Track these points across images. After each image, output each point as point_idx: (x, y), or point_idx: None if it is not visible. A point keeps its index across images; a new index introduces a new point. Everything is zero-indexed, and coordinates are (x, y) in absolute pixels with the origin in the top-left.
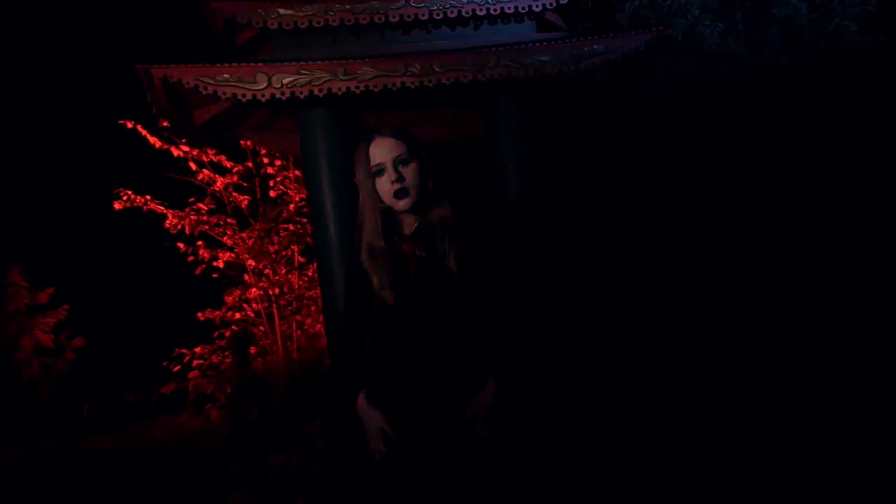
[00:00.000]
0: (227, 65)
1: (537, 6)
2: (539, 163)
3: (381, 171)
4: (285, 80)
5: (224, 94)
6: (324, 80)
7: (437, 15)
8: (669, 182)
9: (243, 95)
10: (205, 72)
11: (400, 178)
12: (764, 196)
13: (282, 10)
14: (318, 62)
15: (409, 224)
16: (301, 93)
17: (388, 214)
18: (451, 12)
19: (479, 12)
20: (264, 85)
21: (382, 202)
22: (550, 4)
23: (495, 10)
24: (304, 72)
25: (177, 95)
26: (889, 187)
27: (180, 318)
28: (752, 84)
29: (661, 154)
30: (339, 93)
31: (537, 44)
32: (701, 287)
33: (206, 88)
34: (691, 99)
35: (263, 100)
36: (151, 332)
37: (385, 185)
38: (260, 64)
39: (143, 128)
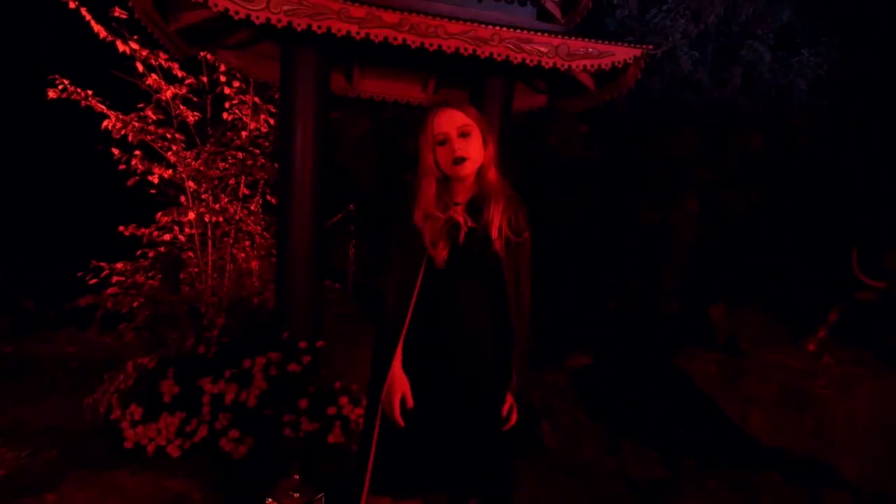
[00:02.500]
0: None
1: None
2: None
3: (444, 140)
4: (285, 7)
5: (216, 5)
6: (326, 16)
7: None
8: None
9: (237, 12)
10: None
11: (461, 147)
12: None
13: None
14: None
15: (464, 193)
16: (299, 24)
17: (443, 182)
18: None
19: None
20: (262, 6)
21: (440, 170)
22: None
23: None
24: (306, 3)
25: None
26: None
27: (101, 229)
28: (711, 114)
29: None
30: (338, 35)
31: (540, 33)
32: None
33: None
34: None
35: (258, 22)
36: (67, 239)
37: (446, 154)
38: None
39: (88, 12)
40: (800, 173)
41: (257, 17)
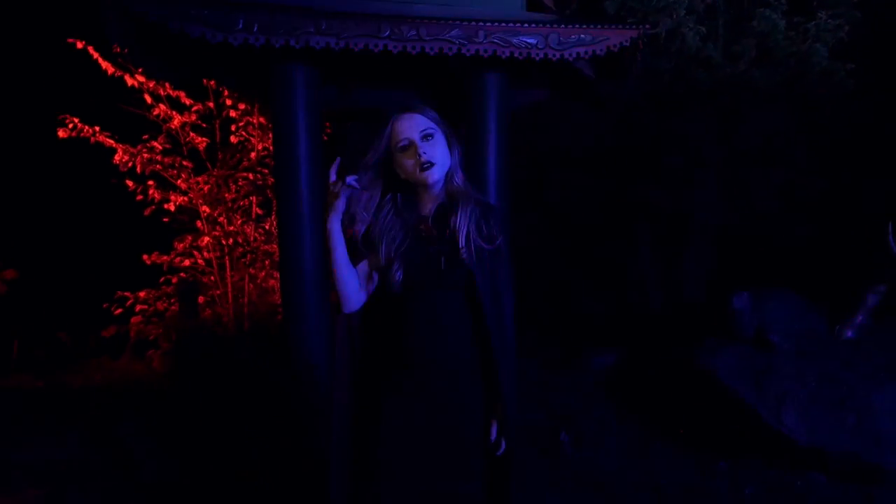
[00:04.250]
0: (198, 2)
1: None
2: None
3: (405, 147)
4: (260, 24)
5: (192, 32)
6: (302, 31)
7: None
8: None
9: (213, 37)
10: (173, 7)
11: (426, 153)
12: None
13: None
14: (299, 10)
15: (429, 203)
16: (277, 42)
17: (407, 191)
18: None
19: None
20: (238, 27)
21: (401, 178)
22: None
23: None
24: (280, 18)
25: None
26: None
27: (123, 259)
28: (725, 91)
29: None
30: (318, 47)
31: (527, 24)
32: None
33: (172, 25)
34: (664, 95)
35: (235, 44)
36: (91, 271)
37: (410, 160)
38: (236, 5)
39: (95, 50)
40: (825, 146)
41: (234, 39)
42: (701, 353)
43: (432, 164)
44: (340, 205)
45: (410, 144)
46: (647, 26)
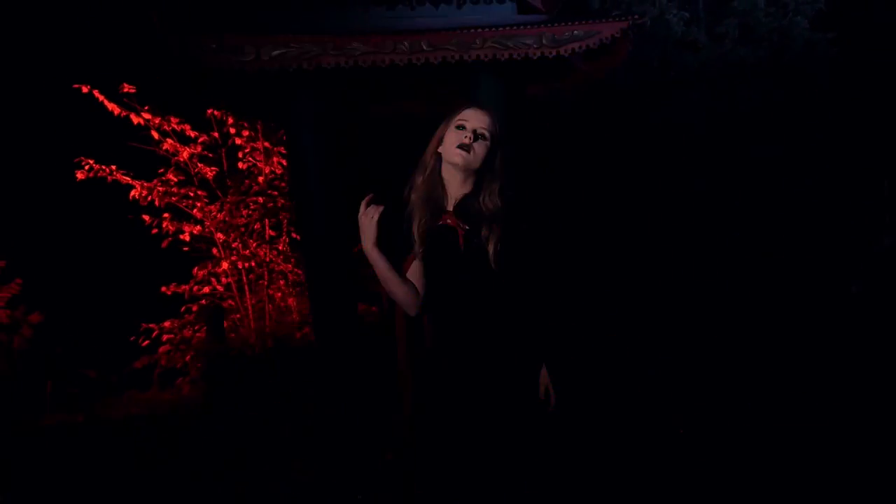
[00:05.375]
0: (213, 34)
1: None
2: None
3: (461, 126)
4: (274, 53)
5: (210, 63)
6: (313, 53)
7: None
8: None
9: (230, 66)
10: (191, 41)
11: (472, 141)
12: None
13: None
14: (308, 36)
15: (456, 188)
16: (290, 66)
17: (434, 178)
18: None
19: None
20: (252, 56)
21: (437, 156)
22: None
23: None
24: (293, 45)
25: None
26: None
27: (141, 292)
28: (713, 71)
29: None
30: (329, 67)
31: (521, 27)
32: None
33: (192, 57)
34: (653, 81)
35: (251, 72)
36: (113, 306)
37: (455, 138)
38: (249, 35)
39: (101, 93)
40: (815, 113)
41: (251, 68)
42: None
43: (470, 149)
44: (372, 230)
45: (465, 129)
46: (636, 16)
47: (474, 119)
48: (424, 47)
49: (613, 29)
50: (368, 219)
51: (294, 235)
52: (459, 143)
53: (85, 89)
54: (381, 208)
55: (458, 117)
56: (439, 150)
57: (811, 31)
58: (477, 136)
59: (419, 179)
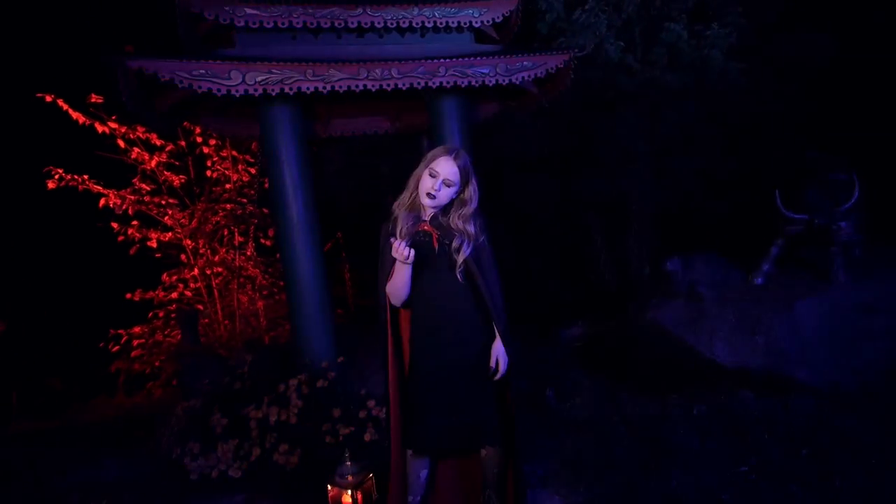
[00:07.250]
0: (202, 61)
1: (476, 22)
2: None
3: (433, 175)
4: (258, 78)
5: (199, 88)
6: (294, 79)
7: (391, 24)
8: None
9: (218, 90)
10: (181, 67)
11: (437, 189)
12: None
13: (249, 10)
14: (289, 63)
15: (430, 212)
16: (273, 90)
17: (415, 203)
18: (403, 22)
19: (427, 24)
20: (238, 81)
21: (416, 190)
22: (487, 21)
23: (441, 23)
24: (275, 71)
25: (144, 86)
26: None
27: (110, 299)
28: (645, 94)
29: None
30: (308, 92)
31: (479, 57)
32: None
33: (181, 82)
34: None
35: (237, 95)
36: (81, 314)
37: (427, 183)
38: (234, 62)
39: (65, 102)
40: (731, 132)
41: (236, 91)
42: (649, 309)
43: (434, 198)
44: (411, 256)
45: (437, 176)
46: (577, 50)
47: (444, 170)
48: (394, 74)
49: (558, 60)
50: (405, 247)
51: (263, 241)
52: (427, 192)
53: (49, 98)
54: (408, 239)
55: (432, 165)
56: (416, 186)
57: (725, 62)
58: (444, 184)
59: (405, 196)
